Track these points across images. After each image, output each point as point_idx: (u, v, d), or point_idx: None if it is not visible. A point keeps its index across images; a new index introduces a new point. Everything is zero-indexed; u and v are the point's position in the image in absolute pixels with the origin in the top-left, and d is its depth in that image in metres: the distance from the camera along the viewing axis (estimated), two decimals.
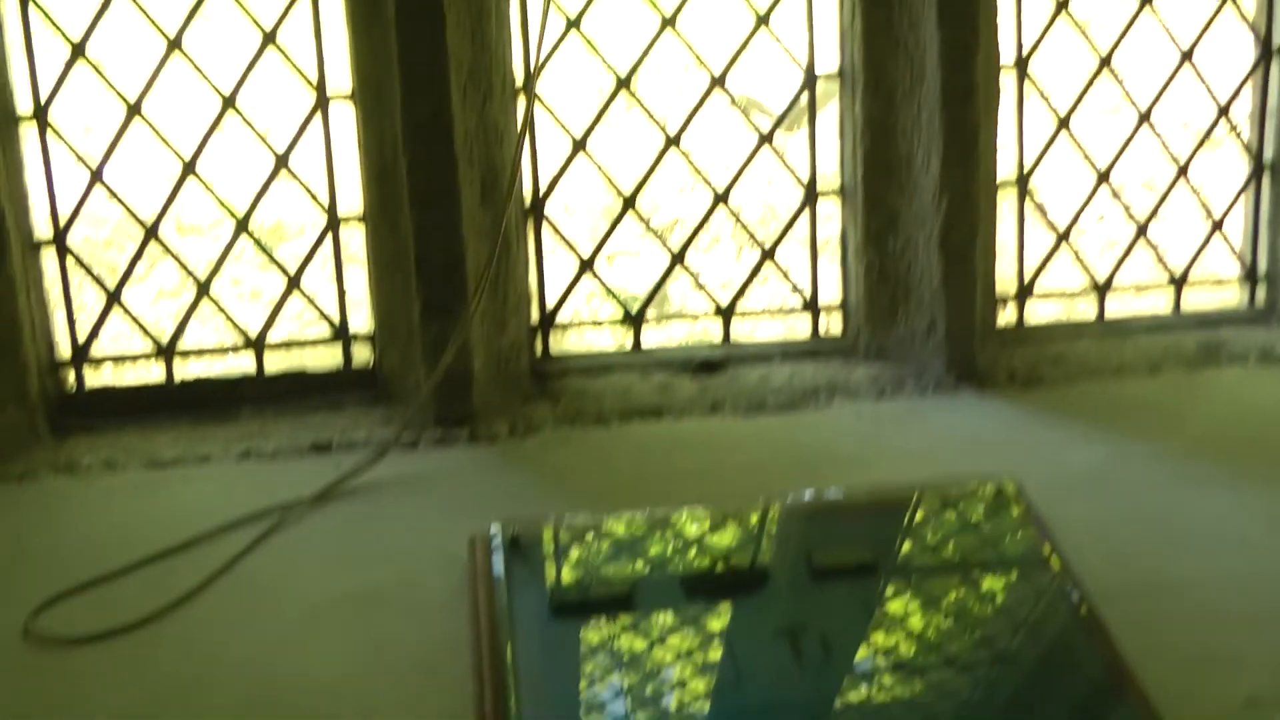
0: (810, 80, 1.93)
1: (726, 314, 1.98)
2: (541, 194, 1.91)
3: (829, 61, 1.94)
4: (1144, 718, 1.22)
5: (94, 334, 1.86)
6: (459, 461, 1.71)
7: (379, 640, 1.41)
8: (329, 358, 1.92)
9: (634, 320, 1.96)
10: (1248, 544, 1.54)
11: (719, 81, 1.93)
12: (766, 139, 1.96)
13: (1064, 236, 2.04)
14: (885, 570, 1.45)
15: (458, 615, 1.42)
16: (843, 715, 1.27)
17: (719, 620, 1.39)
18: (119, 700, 1.35)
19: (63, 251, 1.83)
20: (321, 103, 1.82)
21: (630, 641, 1.35)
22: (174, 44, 1.79)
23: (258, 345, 1.89)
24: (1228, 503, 1.61)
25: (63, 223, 1.83)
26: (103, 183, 1.82)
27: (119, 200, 1.84)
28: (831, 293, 2.01)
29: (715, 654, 1.34)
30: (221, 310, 1.89)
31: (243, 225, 1.85)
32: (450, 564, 1.49)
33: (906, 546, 1.50)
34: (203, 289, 1.85)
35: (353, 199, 1.86)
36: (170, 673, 1.38)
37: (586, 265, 1.94)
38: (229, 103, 1.81)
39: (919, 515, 1.54)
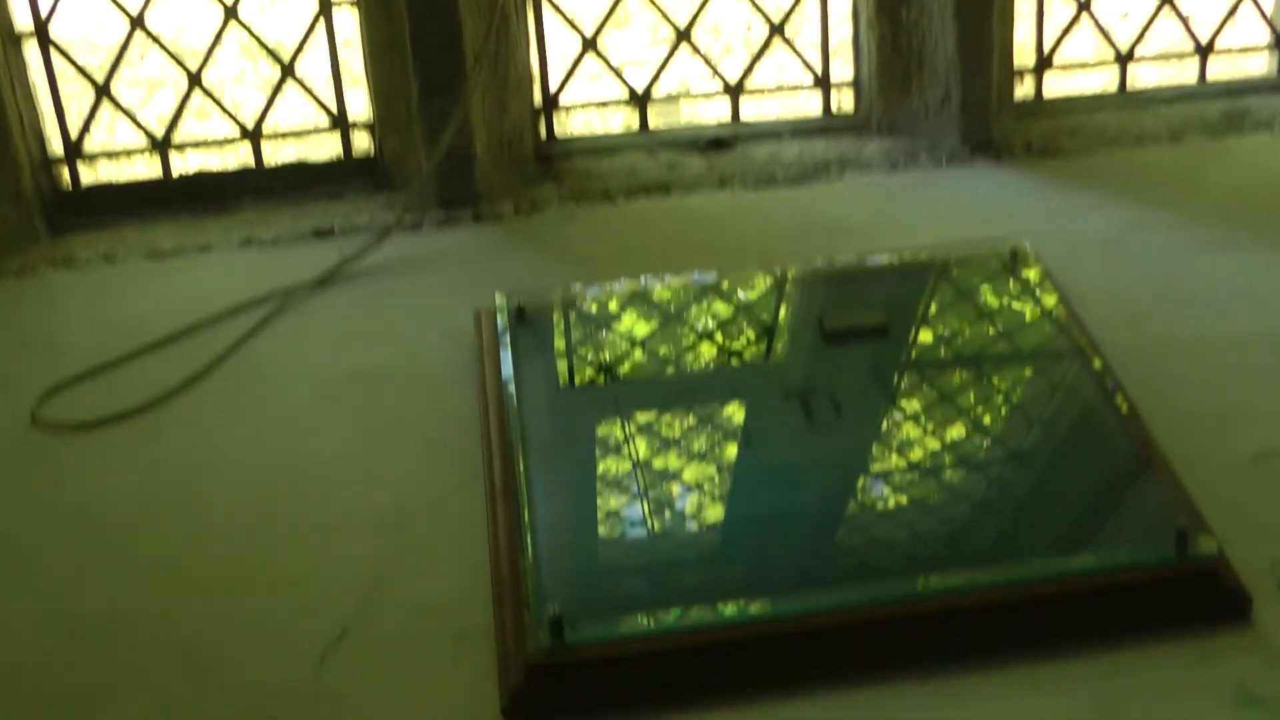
0: None
1: (735, 92, 1.91)
2: None
3: None
4: (1170, 489, 1.20)
5: (86, 129, 1.81)
6: (463, 241, 1.67)
7: (386, 417, 1.40)
8: (329, 147, 1.87)
9: (640, 100, 1.89)
10: (1263, 304, 1.51)
11: None
12: None
13: (1085, 5, 1.93)
14: (898, 332, 1.42)
15: (465, 389, 1.41)
16: (856, 472, 1.26)
17: (729, 383, 1.37)
18: (126, 483, 1.36)
19: (46, 44, 1.76)
20: None
21: (640, 406, 1.34)
22: None
23: (254, 137, 1.84)
24: (1245, 265, 1.58)
25: (44, 14, 1.75)
26: None
27: None
28: (843, 69, 1.93)
29: (726, 417, 1.33)
30: (216, 102, 1.84)
31: (231, 12, 1.78)
32: (456, 340, 1.48)
33: (920, 308, 1.46)
34: (194, 79, 1.80)
35: None
36: (177, 455, 1.38)
37: (589, 44, 1.86)
38: None
39: (932, 278, 1.51)
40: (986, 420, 1.31)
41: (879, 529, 1.20)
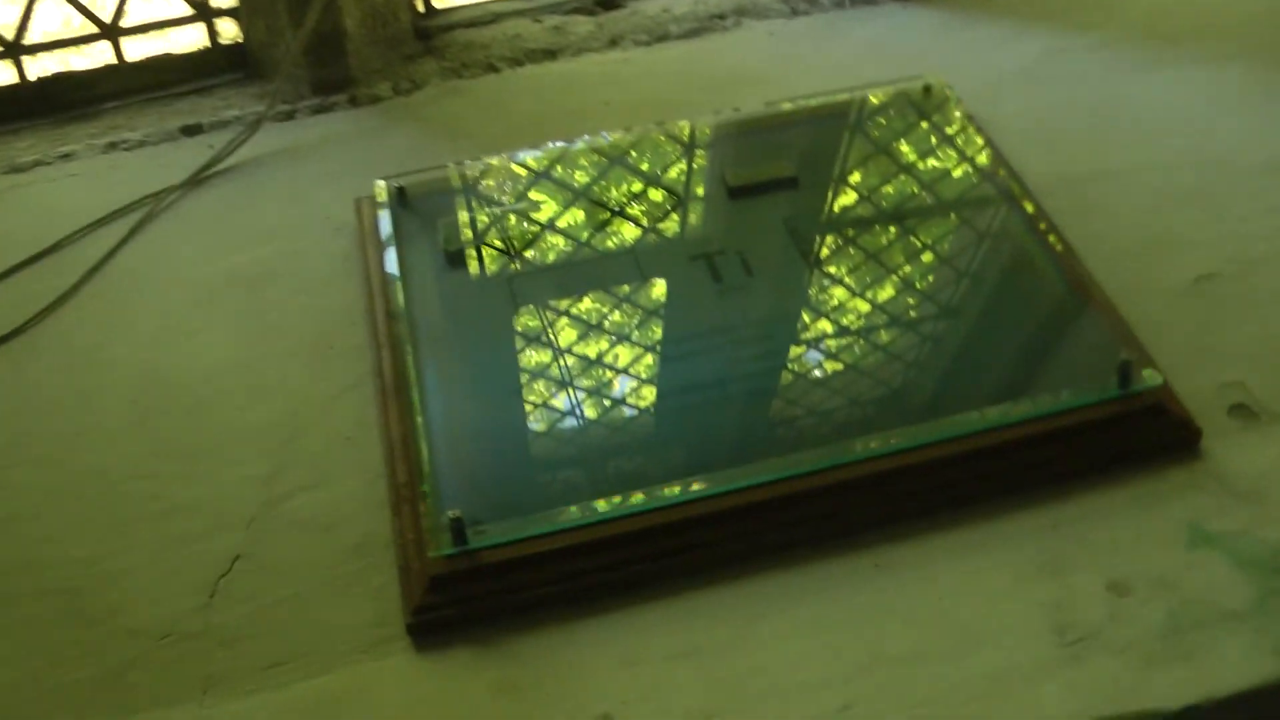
0: None
1: None
2: None
3: None
4: (1110, 324, 1.13)
5: None
6: (340, 127, 1.54)
7: (269, 320, 1.29)
8: (193, 38, 1.73)
9: None
10: (1193, 125, 1.43)
11: None
12: None
13: None
14: (810, 184, 1.31)
15: (352, 284, 1.30)
16: (775, 338, 1.17)
17: (630, 252, 1.26)
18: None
19: None
20: None
21: (535, 283, 1.23)
22: None
23: (114, 33, 1.70)
24: (1171, 85, 1.49)
25: None
26: None
27: None
28: None
29: (625, 287, 1.22)
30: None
31: None
32: (339, 233, 1.37)
33: (831, 156, 1.35)
34: None
35: None
36: (47, 383, 1.26)
37: None
38: None
39: (842, 123, 1.40)
40: (911, 272, 1.22)
41: (805, 397, 1.12)
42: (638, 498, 1.00)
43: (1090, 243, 1.23)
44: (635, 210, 1.29)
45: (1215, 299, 1.21)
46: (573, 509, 0.99)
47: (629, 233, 1.27)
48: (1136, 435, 1.05)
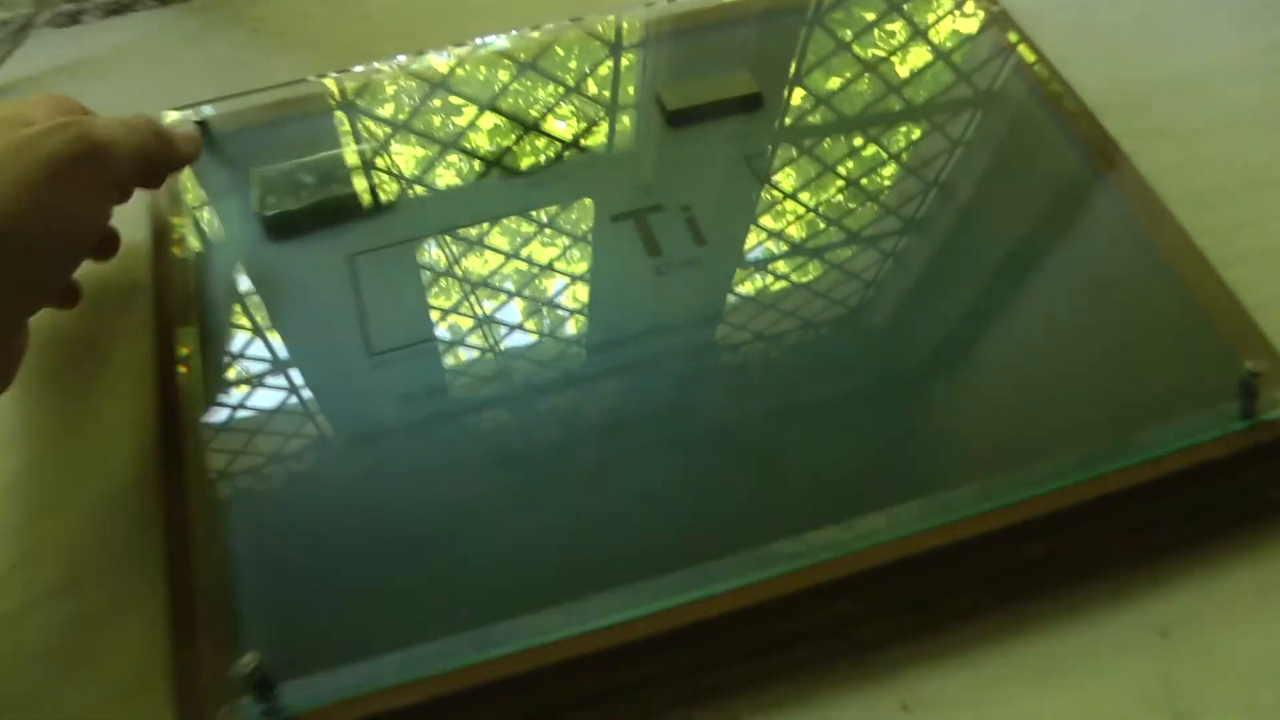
0: None
1: None
2: None
3: None
4: (1137, 190, 0.83)
5: None
6: (142, 33, 1.13)
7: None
8: None
9: None
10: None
11: None
12: None
13: None
14: (778, 103, 0.93)
15: (138, 267, 0.89)
16: (733, 344, 0.78)
17: (525, 206, 0.86)
18: None
19: None
20: None
21: (390, 263, 0.84)
22: None
23: None
24: None
25: None
26: None
27: None
28: None
29: (520, 265, 0.84)
30: None
31: None
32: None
33: (809, 60, 0.97)
34: None
35: None
36: None
37: None
38: None
39: (824, 16, 1.00)
40: (930, 242, 0.83)
41: (786, 446, 0.73)
42: (546, 624, 0.65)
43: (1170, 183, 0.86)
44: (535, 150, 0.90)
45: None
46: (436, 647, 0.64)
47: (526, 185, 0.88)
48: (1274, 481, 0.71)
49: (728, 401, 0.74)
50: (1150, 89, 0.97)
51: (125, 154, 0.71)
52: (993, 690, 0.66)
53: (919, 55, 0.95)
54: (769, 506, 0.69)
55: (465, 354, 0.77)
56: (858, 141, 0.88)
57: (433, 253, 0.83)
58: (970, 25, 0.97)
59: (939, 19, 0.97)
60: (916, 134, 0.89)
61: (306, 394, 0.76)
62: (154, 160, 0.76)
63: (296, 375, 0.77)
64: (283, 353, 0.78)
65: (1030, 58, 0.92)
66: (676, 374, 0.75)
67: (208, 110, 0.92)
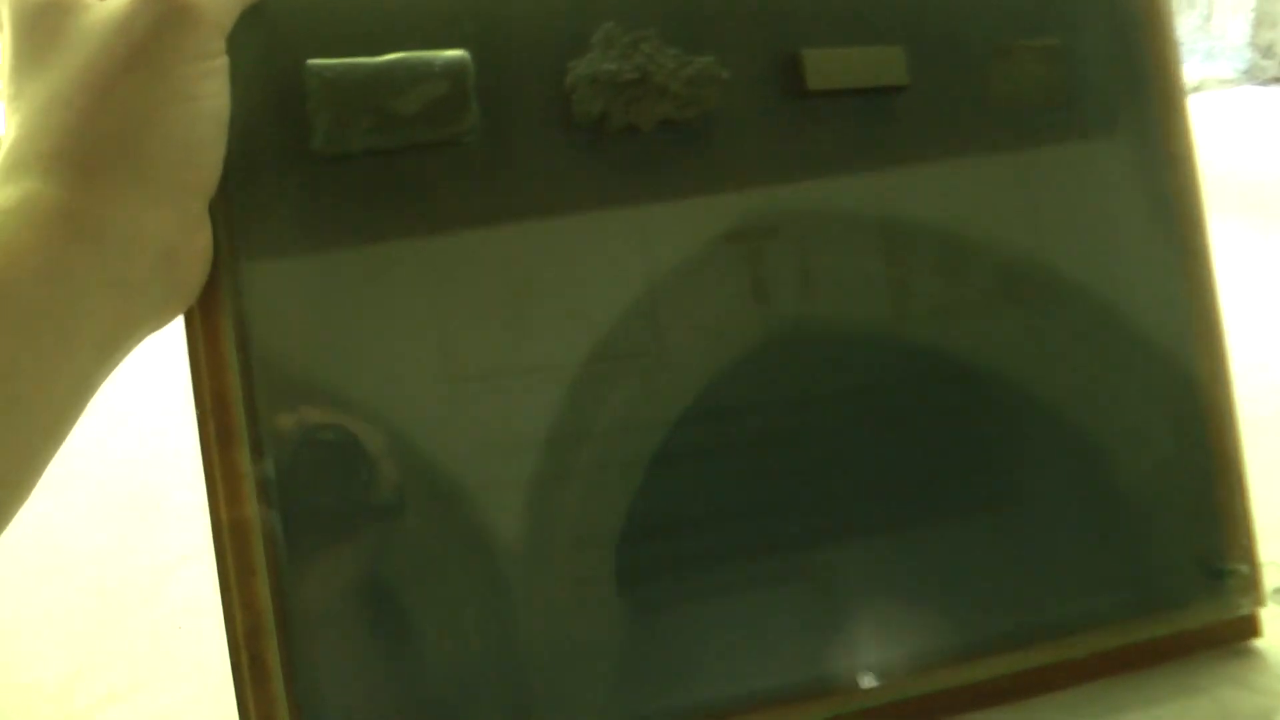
0: None
1: None
2: None
3: None
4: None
5: None
6: None
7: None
8: None
9: None
10: None
11: None
12: None
13: None
14: (930, 93, 0.77)
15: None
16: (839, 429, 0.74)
17: (598, 202, 0.71)
18: None
19: None
20: None
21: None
22: None
23: None
24: None
25: None
26: None
27: None
28: None
29: (590, 288, 0.71)
30: None
31: None
32: None
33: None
34: None
35: None
36: None
37: None
38: None
39: None
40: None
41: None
42: None
43: None
44: (620, 113, 0.72)
45: None
46: None
47: (605, 168, 0.72)
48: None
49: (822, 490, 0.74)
50: None
51: (218, 8, 0.64)
52: None
53: None
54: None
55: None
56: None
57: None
58: None
59: None
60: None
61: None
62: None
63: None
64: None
65: None
66: (775, 453, 0.73)
67: None
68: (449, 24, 0.70)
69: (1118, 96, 0.80)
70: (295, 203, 0.68)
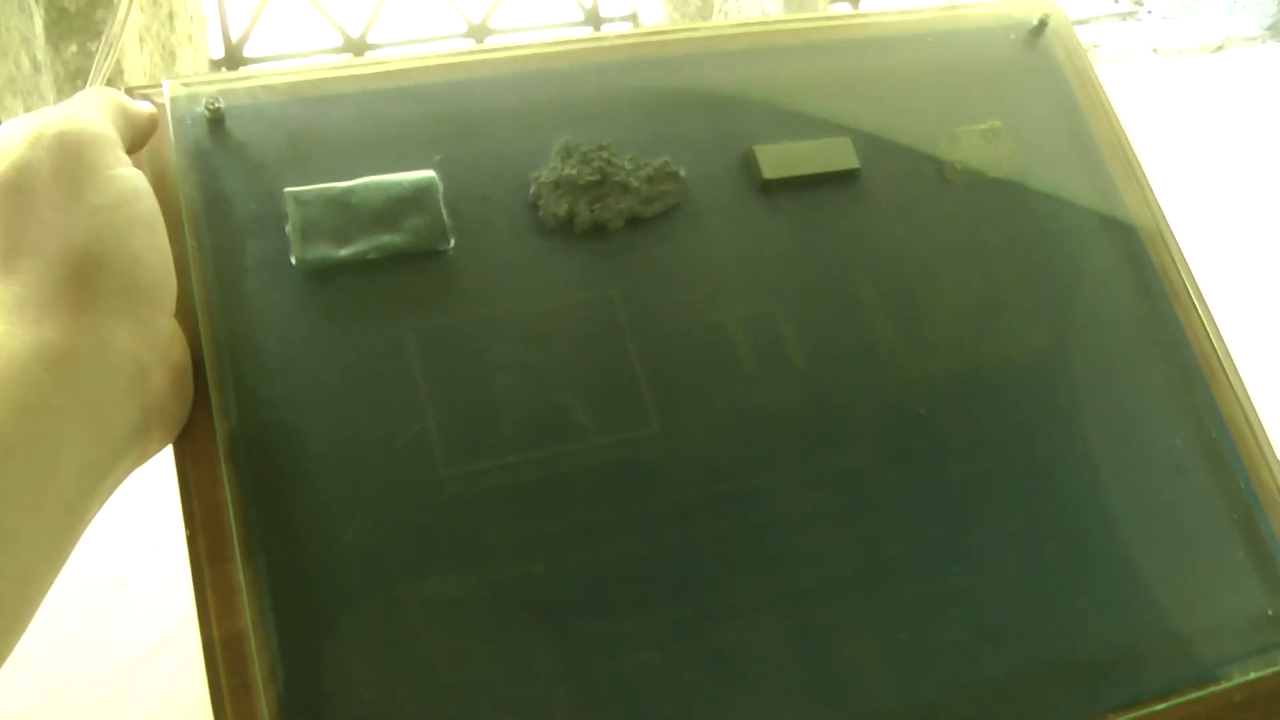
0: None
1: None
2: None
3: None
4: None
5: None
6: None
7: None
8: None
9: None
10: None
11: None
12: None
13: None
14: (878, 179, 0.81)
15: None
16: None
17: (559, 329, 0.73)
18: None
19: None
20: None
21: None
22: None
23: None
24: None
25: None
26: None
27: None
28: None
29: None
30: None
31: None
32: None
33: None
34: None
35: None
36: None
37: None
38: None
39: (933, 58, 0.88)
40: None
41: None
42: None
43: None
44: (586, 213, 0.75)
45: None
46: None
47: (561, 260, 0.74)
48: None
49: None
50: None
51: (101, 121, 0.66)
52: None
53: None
54: None
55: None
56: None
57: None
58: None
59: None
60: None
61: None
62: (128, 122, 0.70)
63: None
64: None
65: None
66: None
67: (221, 85, 0.75)
68: (416, 151, 0.75)
69: (1068, 162, 0.82)
70: (279, 314, 0.70)
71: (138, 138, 0.71)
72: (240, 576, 0.65)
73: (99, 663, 0.75)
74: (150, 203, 0.66)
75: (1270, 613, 0.74)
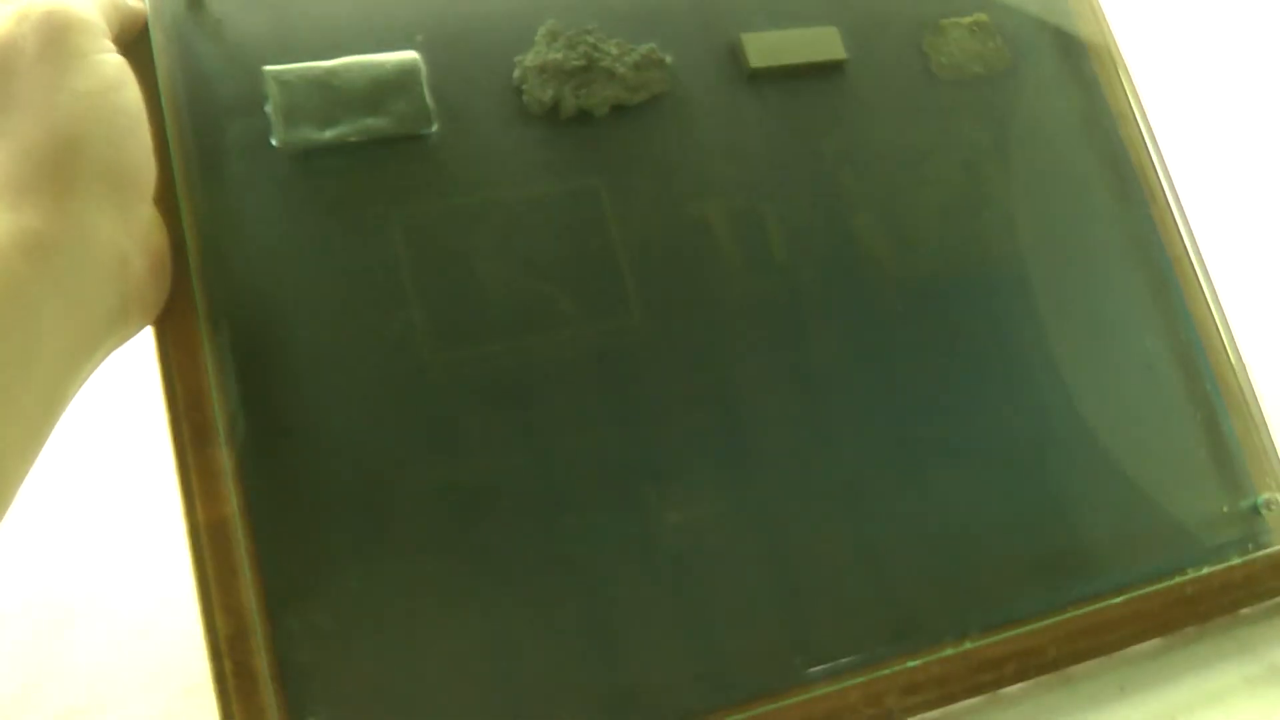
0: None
1: None
2: None
3: None
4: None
5: None
6: None
7: None
8: None
9: None
10: None
11: None
12: None
13: None
14: (866, 71, 0.81)
15: None
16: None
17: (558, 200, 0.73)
18: None
19: None
20: None
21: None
22: None
23: None
24: None
25: None
26: None
27: None
28: None
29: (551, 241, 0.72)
30: None
31: None
32: None
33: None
34: None
35: None
36: None
37: None
38: None
39: None
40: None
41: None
42: None
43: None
44: (571, 99, 0.74)
45: None
46: None
47: (557, 147, 0.73)
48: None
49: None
50: None
51: (89, 6, 0.65)
52: None
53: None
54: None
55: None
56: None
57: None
58: None
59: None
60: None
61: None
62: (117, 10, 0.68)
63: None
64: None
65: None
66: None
67: None
68: (398, 31, 0.73)
69: (1054, 61, 0.82)
70: (261, 198, 0.69)
71: (125, 28, 0.69)
72: (225, 461, 0.66)
73: None
74: (133, 90, 0.64)
75: (1225, 509, 0.77)
